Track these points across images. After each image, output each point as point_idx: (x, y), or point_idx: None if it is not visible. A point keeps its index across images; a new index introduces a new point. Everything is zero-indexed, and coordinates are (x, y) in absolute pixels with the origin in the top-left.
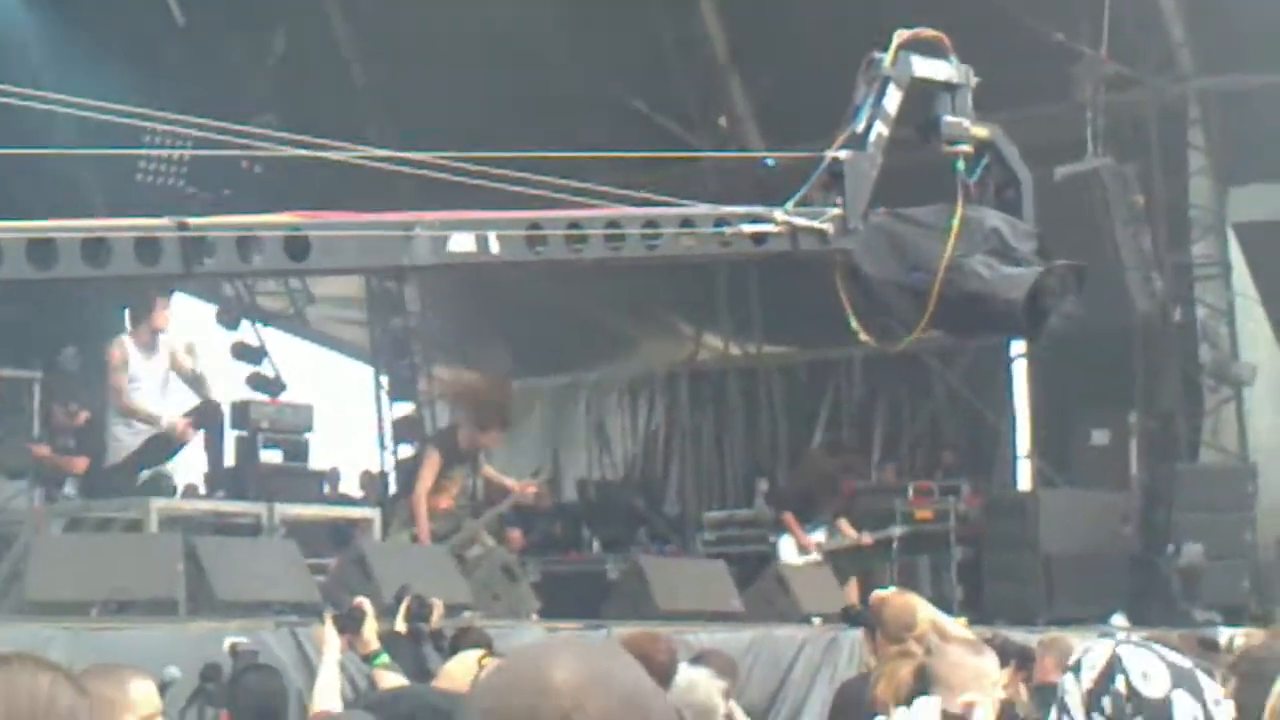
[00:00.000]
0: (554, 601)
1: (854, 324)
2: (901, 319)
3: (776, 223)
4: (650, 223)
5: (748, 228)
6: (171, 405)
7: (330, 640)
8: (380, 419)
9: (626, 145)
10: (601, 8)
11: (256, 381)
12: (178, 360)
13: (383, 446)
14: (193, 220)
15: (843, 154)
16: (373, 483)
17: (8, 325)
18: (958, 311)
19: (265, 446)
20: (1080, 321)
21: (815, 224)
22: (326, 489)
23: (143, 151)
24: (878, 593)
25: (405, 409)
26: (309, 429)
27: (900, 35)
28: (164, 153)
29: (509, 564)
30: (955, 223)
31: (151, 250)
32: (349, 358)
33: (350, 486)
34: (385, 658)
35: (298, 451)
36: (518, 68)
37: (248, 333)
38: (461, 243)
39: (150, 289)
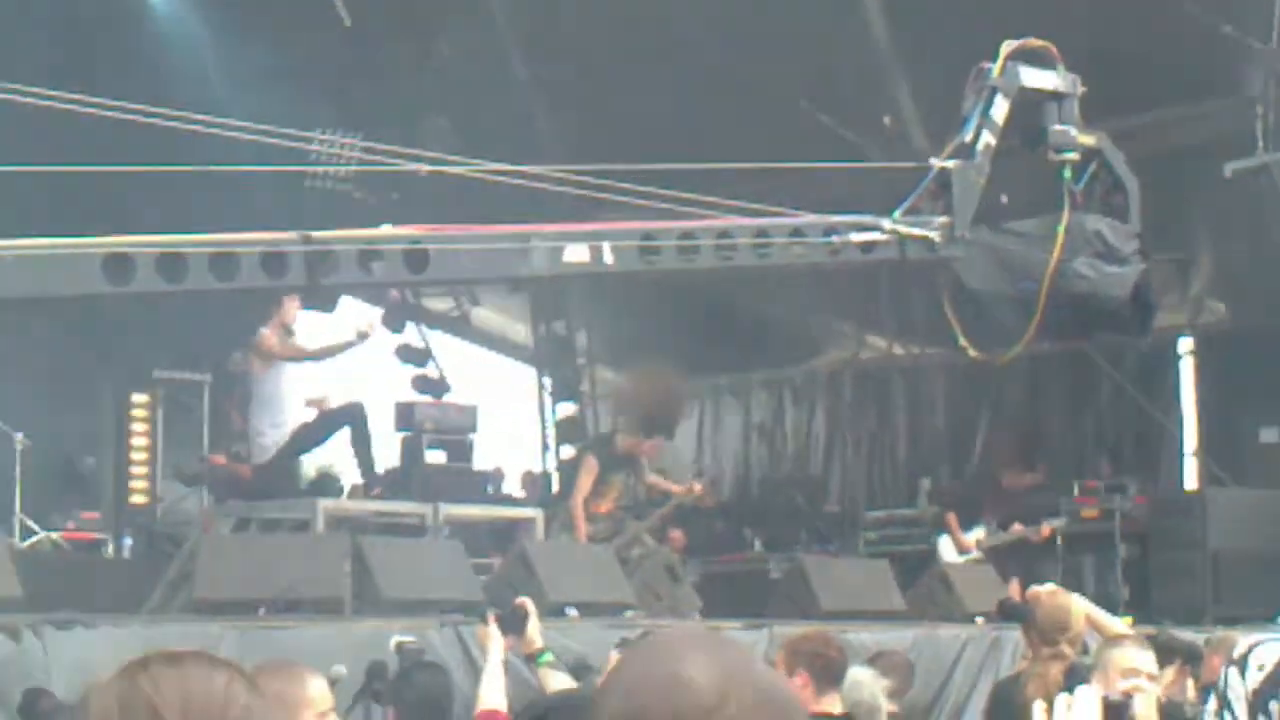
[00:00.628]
0: (716, 601)
1: (961, 340)
2: (1010, 330)
3: (884, 231)
4: (761, 232)
5: (856, 236)
6: (300, 399)
7: (494, 639)
8: (543, 420)
9: (787, 143)
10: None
11: (421, 383)
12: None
13: (545, 447)
14: (316, 234)
15: (950, 163)
16: (534, 483)
17: (179, 329)
18: (1066, 316)
19: (430, 447)
20: (1248, 318)
21: (923, 232)
22: (490, 489)
23: (309, 169)
24: (1033, 589)
25: (568, 410)
26: (473, 430)
27: (1008, 45)
28: (331, 168)
29: (671, 564)
30: (1061, 230)
31: (278, 263)
32: (512, 359)
33: (512, 487)
34: (549, 656)
35: (462, 452)
36: (679, 59)
37: (413, 335)
38: (576, 254)
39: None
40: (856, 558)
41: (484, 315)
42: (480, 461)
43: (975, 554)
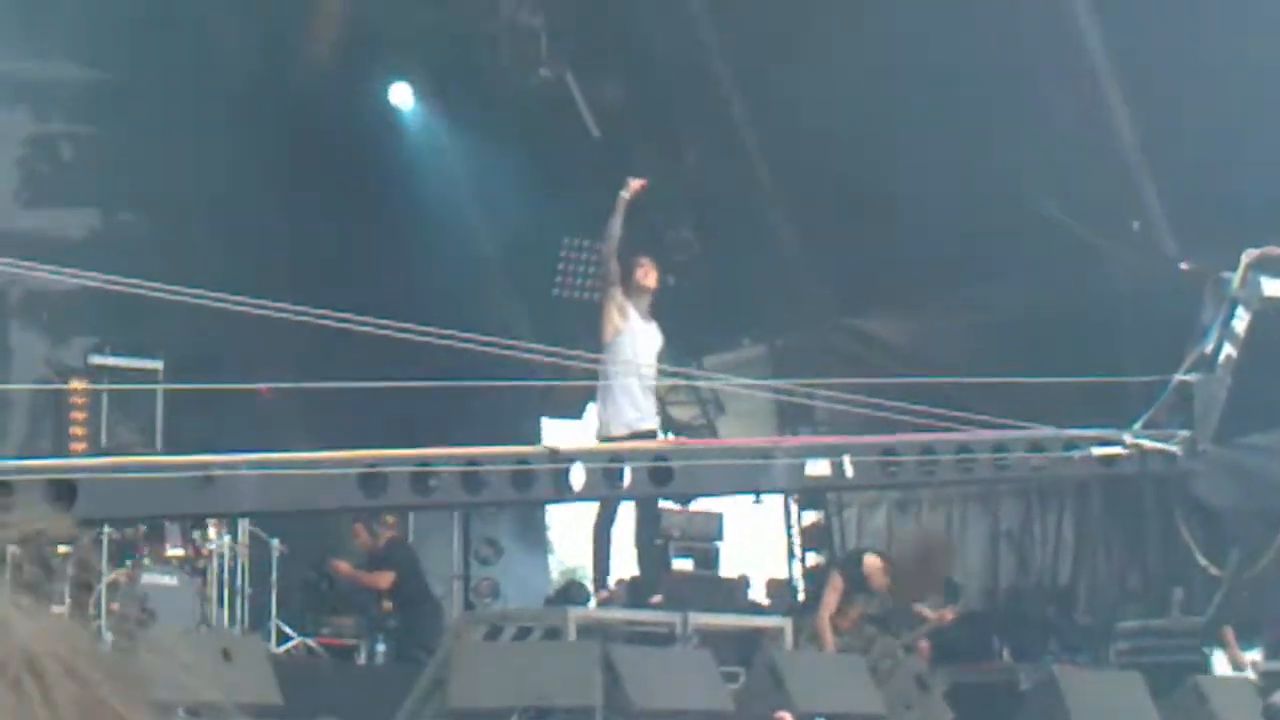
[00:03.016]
0: (966, 712)
1: (1201, 560)
2: (1252, 545)
3: (1125, 445)
4: (1000, 446)
5: (1097, 450)
6: None
7: None
8: (788, 527)
9: (1033, 248)
10: (1006, 104)
11: None
12: None
13: (791, 555)
14: (562, 447)
15: (1191, 376)
16: (780, 591)
17: (394, 420)
18: None
19: (677, 555)
20: None
21: (1165, 447)
22: (736, 598)
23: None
24: None
25: (813, 517)
26: (719, 537)
27: (1248, 255)
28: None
29: (921, 674)
30: None
31: (525, 479)
32: None
33: (758, 595)
34: None
35: (708, 560)
36: (915, 159)
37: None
38: (818, 468)
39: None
40: (1108, 669)
41: (730, 424)
42: (726, 569)
43: (1250, 674)
